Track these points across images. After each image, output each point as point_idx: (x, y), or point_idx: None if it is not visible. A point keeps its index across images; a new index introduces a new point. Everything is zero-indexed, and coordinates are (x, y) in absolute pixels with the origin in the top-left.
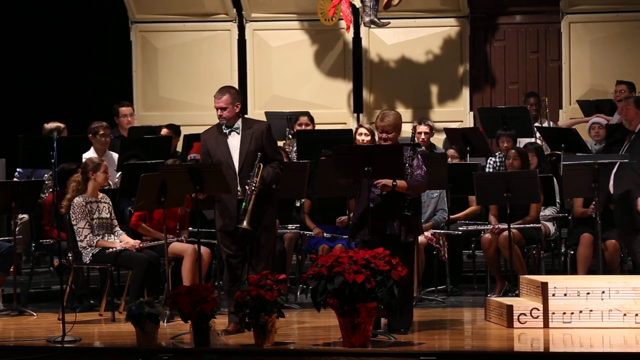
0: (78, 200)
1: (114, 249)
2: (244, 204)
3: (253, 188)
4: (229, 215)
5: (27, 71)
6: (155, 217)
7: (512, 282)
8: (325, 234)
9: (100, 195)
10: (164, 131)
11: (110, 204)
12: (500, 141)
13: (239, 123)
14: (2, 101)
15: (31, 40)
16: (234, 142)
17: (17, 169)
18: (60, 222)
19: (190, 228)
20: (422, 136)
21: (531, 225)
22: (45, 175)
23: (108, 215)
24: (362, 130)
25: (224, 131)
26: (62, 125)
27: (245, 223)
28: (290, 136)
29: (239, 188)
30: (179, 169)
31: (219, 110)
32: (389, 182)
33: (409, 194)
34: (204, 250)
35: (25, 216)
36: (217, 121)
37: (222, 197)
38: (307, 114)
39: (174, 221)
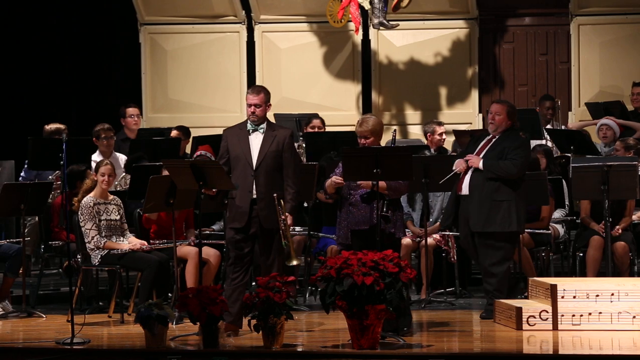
0: (86, 200)
1: (121, 250)
2: (284, 242)
3: (283, 226)
4: (241, 213)
5: (35, 73)
6: (163, 218)
7: (521, 284)
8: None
9: (111, 197)
10: (174, 133)
11: (121, 206)
12: None
13: (264, 125)
14: (11, 103)
15: (40, 42)
16: (256, 140)
17: (22, 174)
18: (69, 224)
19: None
20: (443, 137)
21: (540, 231)
22: (50, 176)
23: (118, 217)
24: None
25: (248, 129)
26: (62, 126)
27: (295, 261)
28: (300, 138)
29: (253, 186)
30: (180, 164)
31: (253, 106)
32: (369, 182)
33: (388, 194)
34: (213, 252)
35: (34, 218)
36: (225, 123)
37: (235, 194)
38: (317, 116)
39: (179, 222)
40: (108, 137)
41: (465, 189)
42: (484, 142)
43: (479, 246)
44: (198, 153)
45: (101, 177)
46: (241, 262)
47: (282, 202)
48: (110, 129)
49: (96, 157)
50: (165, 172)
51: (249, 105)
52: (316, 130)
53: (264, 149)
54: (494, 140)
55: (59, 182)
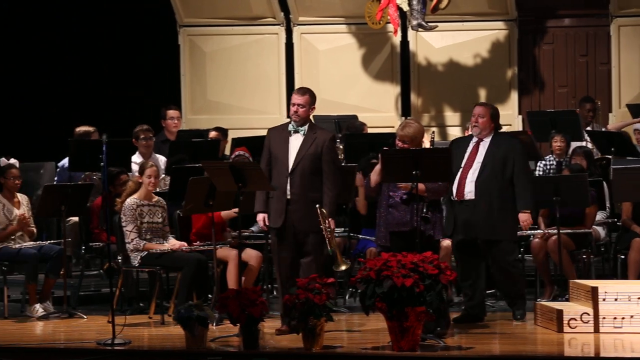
0: (129, 202)
1: (160, 249)
2: (330, 249)
3: (329, 234)
4: (277, 213)
5: (76, 75)
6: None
7: (561, 286)
8: None
9: (156, 198)
10: (212, 134)
11: (165, 208)
12: (554, 141)
13: (306, 126)
14: (52, 105)
15: (81, 45)
16: (296, 142)
17: (56, 177)
18: (109, 225)
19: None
20: None
21: (581, 231)
22: (82, 176)
23: (160, 220)
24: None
25: (289, 129)
26: (91, 128)
27: (343, 266)
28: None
29: (287, 187)
30: (219, 165)
31: (296, 106)
32: (408, 184)
33: (427, 196)
34: (254, 254)
35: (75, 219)
36: (264, 125)
37: (273, 195)
38: (356, 118)
39: (219, 224)
40: (147, 138)
41: (469, 194)
42: (471, 147)
43: (490, 253)
44: (236, 153)
45: (147, 179)
46: (288, 268)
47: (324, 211)
48: (149, 130)
49: (136, 158)
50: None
51: (293, 105)
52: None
53: (302, 151)
54: (482, 144)
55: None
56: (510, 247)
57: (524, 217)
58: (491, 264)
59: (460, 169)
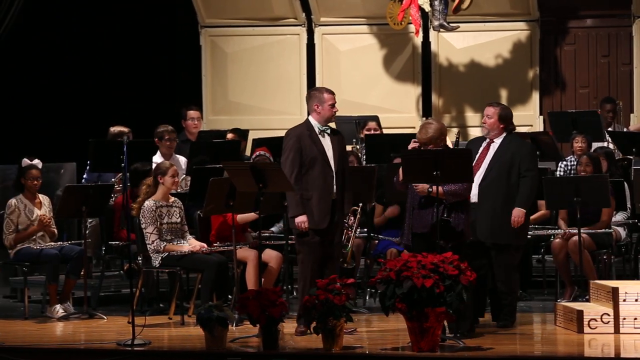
0: (148, 204)
1: (181, 251)
2: (347, 247)
3: (352, 233)
4: (324, 214)
5: (98, 75)
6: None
7: (582, 287)
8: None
9: (172, 199)
10: (229, 136)
11: (182, 208)
12: (575, 141)
13: (328, 127)
14: (73, 105)
15: (103, 44)
16: (327, 142)
17: (84, 175)
18: (130, 224)
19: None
20: None
21: (602, 230)
22: (113, 179)
23: (179, 220)
24: None
25: (316, 130)
26: (126, 129)
27: (347, 265)
28: (358, 140)
29: (334, 187)
30: (240, 166)
31: (335, 107)
32: (425, 187)
33: (446, 199)
34: (275, 254)
35: (96, 220)
36: (285, 126)
37: (311, 195)
38: (375, 118)
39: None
40: (172, 139)
41: (473, 197)
42: (482, 148)
43: (493, 256)
44: (257, 154)
45: (171, 179)
46: (319, 267)
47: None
48: (173, 130)
49: (157, 158)
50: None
51: (332, 105)
52: (372, 132)
53: (336, 152)
54: (492, 146)
55: (121, 185)
56: (514, 251)
57: (517, 212)
58: (494, 268)
59: None
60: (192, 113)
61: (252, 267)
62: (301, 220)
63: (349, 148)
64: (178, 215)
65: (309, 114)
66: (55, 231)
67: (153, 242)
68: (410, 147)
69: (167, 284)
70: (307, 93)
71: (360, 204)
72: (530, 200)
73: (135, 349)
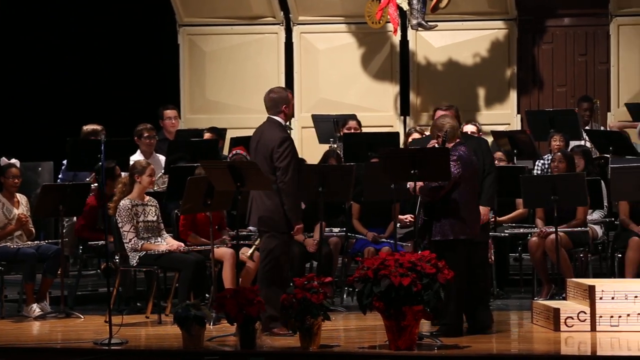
0: (124, 203)
1: (158, 251)
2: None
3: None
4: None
5: (74, 74)
6: (198, 222)
7: (559, 285)
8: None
9: (147, 198)
10: (207, 135)
11: (157, 206)
12: (552, 140)
13: None
14: (49, 104)
15: (79, 43)
16: None
17: (60, 175)
18: (107, 223)
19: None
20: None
21: (578, 229)
22: (87, 178)
23: (155, 219)
24: (415, 134)
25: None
26: (99, 127)
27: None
28: (336, 139)
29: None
30: (218, 165)
31: None
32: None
33: (421, 198)
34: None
35: (73, 219)
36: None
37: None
38: (354, 117)
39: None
40: (151, 137)
41: None
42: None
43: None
44: (234, 152)
45: (148, 178)
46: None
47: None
48: (152, 128)
49: (137, 157)
50: (200, 172)
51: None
52: (352, 131)
53: None
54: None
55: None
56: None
57: (484, 211)
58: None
59: None
60: (169, 112)
61: (228, 267)
62: (300, 226)
63: (326, 147)
64: (154, 213)
65: (274, 114)
66: (33, 230)
67: (130, 240)
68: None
69: (144, 283)
70: (269, 94)
71: None
72: (495, 197)
73: (113, 348)
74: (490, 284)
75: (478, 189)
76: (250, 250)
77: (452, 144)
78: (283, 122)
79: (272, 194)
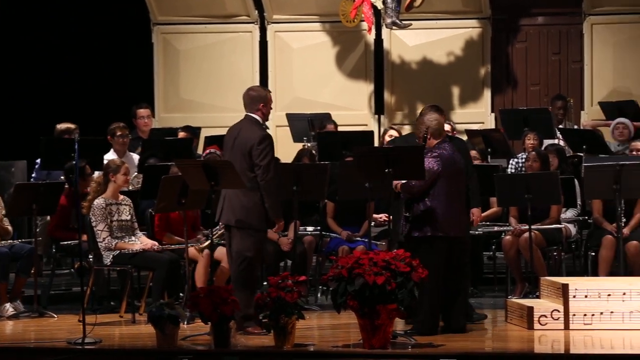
0: (98, 202)
1: (132, 250)
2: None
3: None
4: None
5: (48, 73)
6: (172, 222)
7: (532, 283)
8: (350, 237)
9: (121, 197)
10: (181, 134)
11: (131, 205)
12: (526, 138)
13: None
14: (24, 103)
15: (53, 41)
16: None
17: (33, 174)
18: (80, 222)
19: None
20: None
21: (552, 226)
22: (62, 177)
23: (129, 218)
24: (391, 132)
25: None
26: (73, 125)
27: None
28: (311, 138)
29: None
30: (192, 164)
31: None
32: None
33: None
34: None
35: (46, 218)
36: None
37: None
38: (329, 116)
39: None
40: (123, 136)
41: None
42: None
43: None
44: (208, 152)
45: (123, 177)
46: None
47: None
48: (125, 127)
49: (110, 156)
50: (174, 171)
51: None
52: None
53: None
54: None
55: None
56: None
57: (477, 212)
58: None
59: None
60: (142, 111)
61: (201, 267)
62: (281, 223)
63: (300, 145)
64: (128, 212)
65: (251, 112)
66: (10, 229)
67: (104, 239)
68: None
69: (118, 282)
70: (248, 92)
71: None
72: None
73: (86, 347)
74: (469, 284)
75: (462, 188)
76: (205, 244)
77: (437, 141)
78: (261, 121)
79: (248, 192)
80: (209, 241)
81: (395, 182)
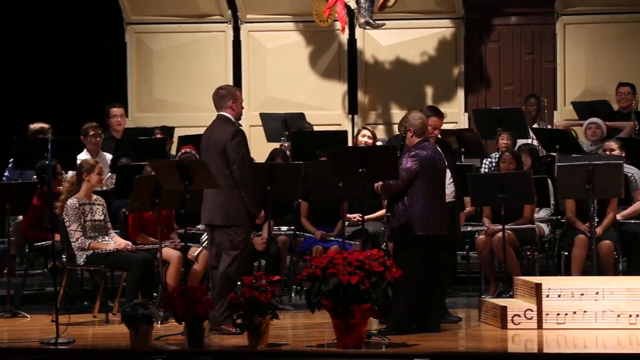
0: (71, 202)
1: (106, 249)
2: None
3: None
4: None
5: (21, 72)
6: (146, 222)
7: (506, 283)
8: (323, 236)
9: (94, 197)
10: (158, 135)
11: (105, 205)
12: (500, 138)
13: None
14: None
15: (25, 40)
16: None
17: (5, 173)
18: (54, 222)
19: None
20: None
21: (525, 226)
22: (34, 176)
23: (102, 217)
24: (365, 132)
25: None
26: (46, 125)
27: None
28: (285, 138)
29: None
30: (166, 164)
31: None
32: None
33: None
34: (201, 252)
35: (19, 218)
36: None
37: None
38: (302, 115)
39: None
40: (96, 135)
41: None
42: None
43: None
44: (183, 151)
45: (97, 176)
46: None
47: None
48: (98, 126)
49: (83, 155)
50: (148, 171)
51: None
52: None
53: None
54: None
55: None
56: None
57: (463, 215)
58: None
59: None
60: (115, 110)
61: (173, 269)
62: (262, 214)
63: (276, 145)
64: (101, 212)
65: (222, 111)
66: None
67: (77, 239)
68: None
69: (91, 282)
70: (217, 91)
71: None
72: None
73: (59, 347)
74: (449, 285)
75: (443, 187)
76: (197, 251)
77: (418, 140)
78: (233, 118)
79: (227, 190)
80: (200, 248)
81: (375, 184)
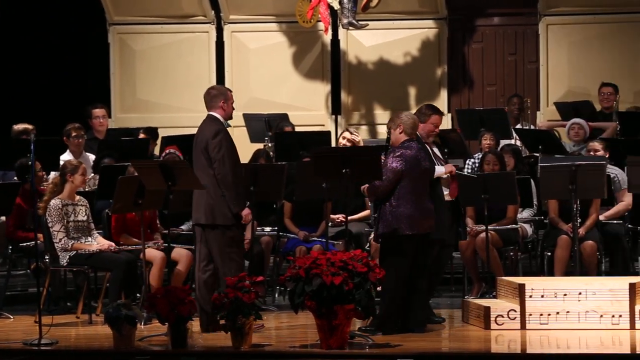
0: (54, 202)
1: (89, 250)
2: None
3: None
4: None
5: (2, 73)
6: (129, 223)
7: (489, 283)
8: (307, 237)
9: (77, 197)
10: (142, 136)
11: (88, 206)
12: (483, 139)
13: None
14: None
15: (7, 40)
16: None
17: None
18: (37, 223)
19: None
20: None
21: (509, 226)
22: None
23: (85, 218)
24: (346, 134)
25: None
26: (30, 126)
27: None
28: (268, 138)
29: None
30: (149, 164)
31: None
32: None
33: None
34: (184, 252)
35: (2, 218)
36: (194, 123)
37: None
38: (285, 117)
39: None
40: (79, 136)
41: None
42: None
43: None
44: (166, 152)
45: (81, 177)
46: None
47: None
48: (80, 127)
49: (66, 156)
50: (131, 172)
51: (233, 103)
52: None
53: None
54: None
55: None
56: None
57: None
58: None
59: None
60: (98, 111)
61: (156, 270)
62: (247, 212)
63: (260, 146)
64: (84, 213)
65: (212, 110)
66: None
67: (60, 240)
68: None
69: (74, 283)
70: (208, 91)
71: None
72: None
73: (42, 348)
74: (435, 285)
75: (428, 188)
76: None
77: (405, 139)
78: (221, 118)
79: (211, 189)
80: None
81: (362, 186)
